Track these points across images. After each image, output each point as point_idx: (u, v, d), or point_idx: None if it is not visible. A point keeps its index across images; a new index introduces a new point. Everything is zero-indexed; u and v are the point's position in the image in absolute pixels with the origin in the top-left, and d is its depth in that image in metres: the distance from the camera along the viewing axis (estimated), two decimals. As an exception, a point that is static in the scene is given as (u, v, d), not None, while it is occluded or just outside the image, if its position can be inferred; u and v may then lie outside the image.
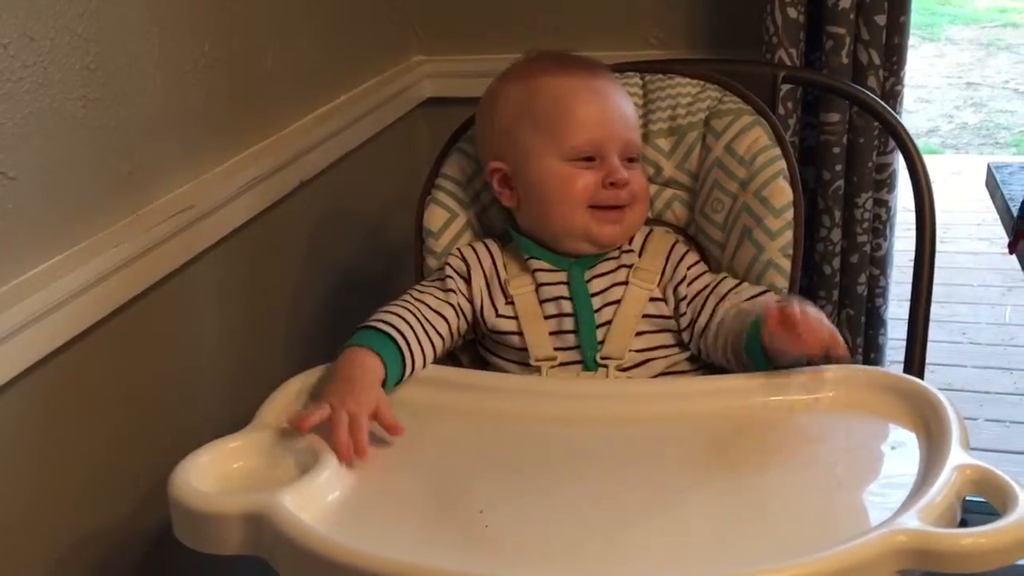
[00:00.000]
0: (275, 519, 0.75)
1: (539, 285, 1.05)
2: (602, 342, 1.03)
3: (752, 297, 1.01)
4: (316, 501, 0.78)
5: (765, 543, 0.74)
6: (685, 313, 1.03)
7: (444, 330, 1.02)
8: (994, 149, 4.34)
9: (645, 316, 1.04)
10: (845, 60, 1.35)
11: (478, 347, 1.10)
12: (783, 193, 1.05)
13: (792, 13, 1.35)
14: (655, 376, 1.03)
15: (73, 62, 0.98)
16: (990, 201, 1.40)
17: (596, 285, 1.05)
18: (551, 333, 1.04)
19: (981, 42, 5.62)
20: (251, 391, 0.96)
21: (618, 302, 1.04)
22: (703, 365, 1.06)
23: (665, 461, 0.85)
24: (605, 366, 1.02)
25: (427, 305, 1.02)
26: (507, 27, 1.62)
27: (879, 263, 1.48)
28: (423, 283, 1.07)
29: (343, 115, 1.45)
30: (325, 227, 1.45)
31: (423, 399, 0.95)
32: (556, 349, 1.03)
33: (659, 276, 1.05)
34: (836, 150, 1.40)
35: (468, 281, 1.06)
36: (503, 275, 1.07)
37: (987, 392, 2.36)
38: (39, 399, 0.96)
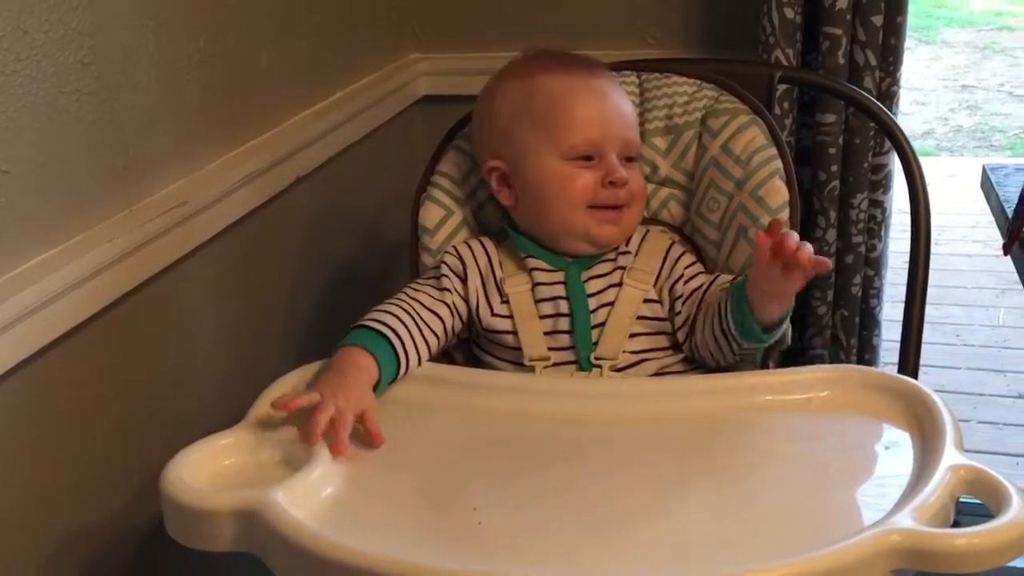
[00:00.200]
0: (268, 516, 0.75)
1: (536, 284, 1.05)
2: (596, 343, 1.02)
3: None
4: (309, 498, 0.78)
5: (758, 542, 0.74)
6: (680, 312, 1.03)
7: (439, 329, 1.02)
8: (989, 152, 4.35)
9: (640, 318, 1.03)
10: (841, 61, 1.35)
11: (472, 346, 1.10)
12: (779, 193, 1.05)
13: (789, 13, 1.35)
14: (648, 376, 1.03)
15: (67, 56, 0.97)
16: (984, 204, 1.40)
17: (593, 286, 1.05)
18: (546, 333, 1.04)
19: (977, 45, 5.63)
20: (245, 387, 0.96)
21: (612, 303, 1.04)
22: (696, 367, 1.06)
23: (658, 460, 0.85)
24: (599, 367, 1.02)
25: (422, 304, 1.02)
26: (504, 25, 1.62)
27: (874, 264, 1.48)
28: (418, 281, 1.07)
29: (339, 112, 1.45)
30: (321, 223, 1.45)
31: (417, 396, 0.95)
32: (550, 349, 1.03)
33: (655, 277, 1.05)
34: (832, 151, 1.40)
35: (464, 280, 1.06)
36: (499, 273, 1.07)
37: (980, 394, 2.37)
38: (31, 394, 0.95)
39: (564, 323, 1.04)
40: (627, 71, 1.18)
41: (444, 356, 1.08)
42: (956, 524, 0.74)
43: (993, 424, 2.25)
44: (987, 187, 1.36)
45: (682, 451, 0.86)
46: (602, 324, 1.03)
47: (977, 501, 0.76)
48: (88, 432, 1.03)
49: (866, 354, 1.50)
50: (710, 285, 1.03)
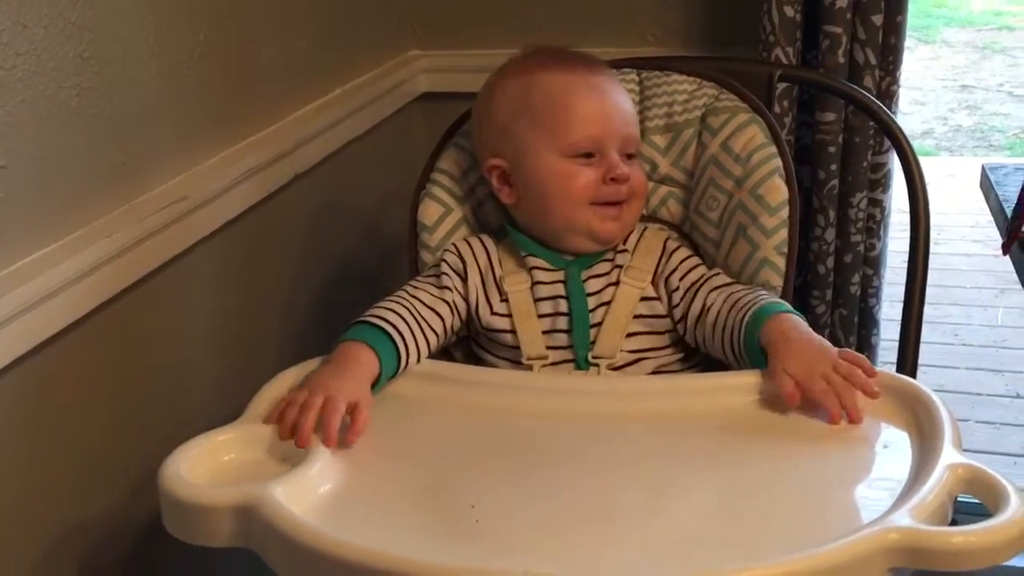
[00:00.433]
0: (265, 511, 0.75)
1: (535, 283, 1.05)
2: (594, 342, 1.02)
3: (745, 290, 1.01)
4: (307, 494, 0.78)
5: (756, 540, 0.74)
6: (678, 305, 1.03)
7: (439, 327, 1.02)
8: (988, 152, 4.36)
9: (637, 316, 1.03)
10: (841, 59, 1.35)
11: (471, 344, 1.10)
12: (778, 191, 1.05)
13: (789, 12, 1.35)
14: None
15: (67, 50, 0.97)
16: (983, 203, 1.40)
17: (592, 285, 1.05)
18: (544, 332, 1.04)
19: (976, 45, 5.63)
20: (244, 383, 0.96)
21: (609, 302, 1.04)
22: (694, 365, 1.06)
23: (656, 458, 0.85)
24: (596, 365, 1.02)
25: (422, 302, 1.02)
26: (504, 23, 1.62)
27: (873, 263, 1.48)
28: (418, 278, 1.07)
29: (339, 108, 1.45)
30: (320, 220, 1.45)
31: (416, 393, 0.95)
32: (548, 348, 1.03)
33: (652, 274, 1.05)
34: (831, 149, 1.40)
35: (464, 279, 1.06)
36: (498, 272, 1.07)
37: (978, 394, 2.37)
38: (31, 389, 0.95)
39: (563, 322, 1.04)
40: (627, 69, 1.18)
41: (443, 354, 1.08)
42: (954, 523, 0.74)
43: (991, 424, 2.25)
44: (986, 187, 1.36)
45: (680, 449, 0.86)
46: (600, 323, 1.03)
47: (975, 500, 0.76)
48: (87, 427, 1.03)
49: (864, 353, 1.50)
50: (711, 278, 1.03)
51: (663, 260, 1.05)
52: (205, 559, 0.86)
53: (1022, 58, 5.37)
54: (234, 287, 1.26)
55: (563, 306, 1.04)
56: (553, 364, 1.03)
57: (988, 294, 2.89)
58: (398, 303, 1.01)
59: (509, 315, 1.04)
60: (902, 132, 1.19)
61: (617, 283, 1.05)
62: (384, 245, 1.60)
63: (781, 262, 1.04)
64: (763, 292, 1.01)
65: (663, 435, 0.88)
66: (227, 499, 0.77)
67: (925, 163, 1.17)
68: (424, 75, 1.68)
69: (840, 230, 1.44)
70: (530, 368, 1.02)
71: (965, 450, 0.80)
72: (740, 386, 0.92)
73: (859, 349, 1.51)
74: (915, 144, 1.19)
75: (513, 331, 1.04)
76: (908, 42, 1.41)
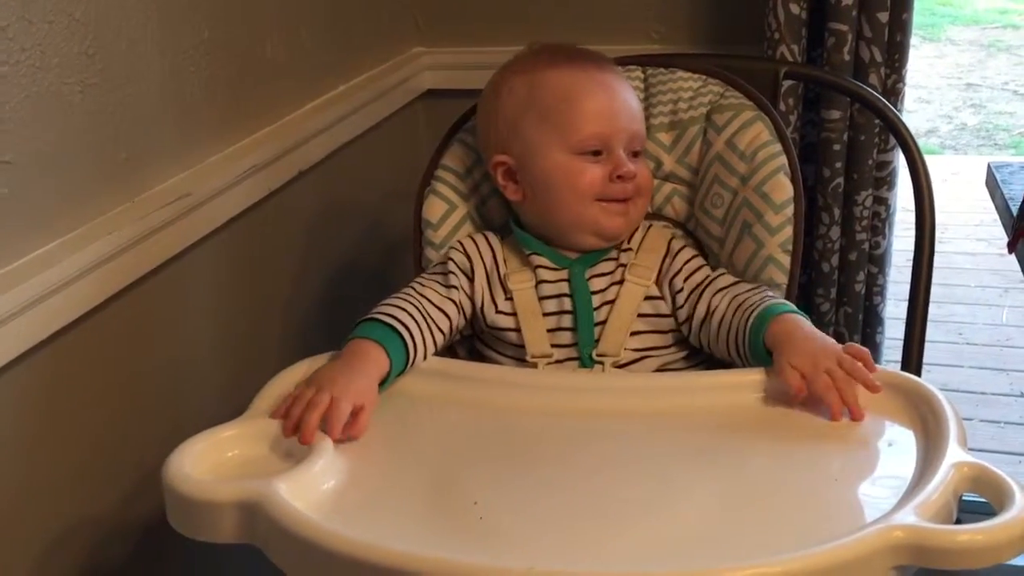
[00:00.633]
0: (269, 507, 0.75)
1: (539, 282, 1.05)
2: (598, 340, 1.02)
3: (749, 291, 1.00)
4: (310, 490, 0.78)
5: (761, 538, 0.73)
6: (682, 306, 1.03)
7: (445, 327, 1.02)
8: (993, 150, 4.35)
9: (641, 315, 1.03)
10: (847, 57, 1.35)
11: (475, 341, 1.10)
12: (784, 189, 1.05)
13: (794, 9, 1.34)
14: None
15: (71, 46, 0.97)
16: (988, 202, 1.40)
17: (596, 284, 1.05)
18: (548, 330, 1.03)
19: (981, 43, 5.62)
20: (247, 380, 0.96)
21: (614, 301, 1.04)
22: (698, 363, 1.06)
23: (661, 455, 0.85)
24: (601, 363, 1.02)
25: (429, 301, 1.02)
26: (507, 20, 1.62)
27: (878, 261, 1.48)
28: (424, 276, 1.07)
29: (342, 105, 1.45)
30: (323, 217, 1.45)
31: (421, 390, 0.95)
32: (553, 346, 1.03)
33: (656, 272, 1.05)
34: (836, 147, 1.40)
35: (471, 279, 1.05)
36: (503, 270, 1.06)
37: (983, 393, 2.37)
38: (34, 386, 0.95)
39: (567, 320, 1.04)
40: (632, 66, 1.17)
41: (447, 351, 1.08)
42: (959, 521, 0.73)
43: (995, 423, 2.25)
44: (992, 185, 1.35)
45: (685, 446, 0.86)
46: (604, 322, 1.03)
47: (980, 499, 0.76)
48: (90, 423, 1.03)
49: (869, 351, 1.50)
50: (715, 279, 1.03)
51: (667, 260, 1.05)
52: (209, 555, 0.86)
53: (1027, 57, 5.37)
54: (237, 284, 1.26)
55: (567, 304, 1.04)
56: (557, 362, 1.02)
57: (993, 293, 2.89)
58: (406, 301, 1.00)
59: (514, 313, 1.04)
60: (908, 130, 1.18)
61: (621, 282, 1.05)
62: (387, 242, 1.60)
63: (786, 260, 1.04)
64: (768, 292, 1.01)
65: (667, 432, 0.88)
66: (231, 495, 0.77)
67: (929, 161, 1.17)
68: (428, 72, 1.68)
69: (845, 228, 1.44)
70: (534, 366, 1.02)
71: (969, 449, 0.80)
72: (744, 384, 0.92)
73: (863, 347, 1.50)
74: (919, 142, 1.18)
75: (518, 329, 1.04)
76: (912, 40, 1.40)
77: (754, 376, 0.92)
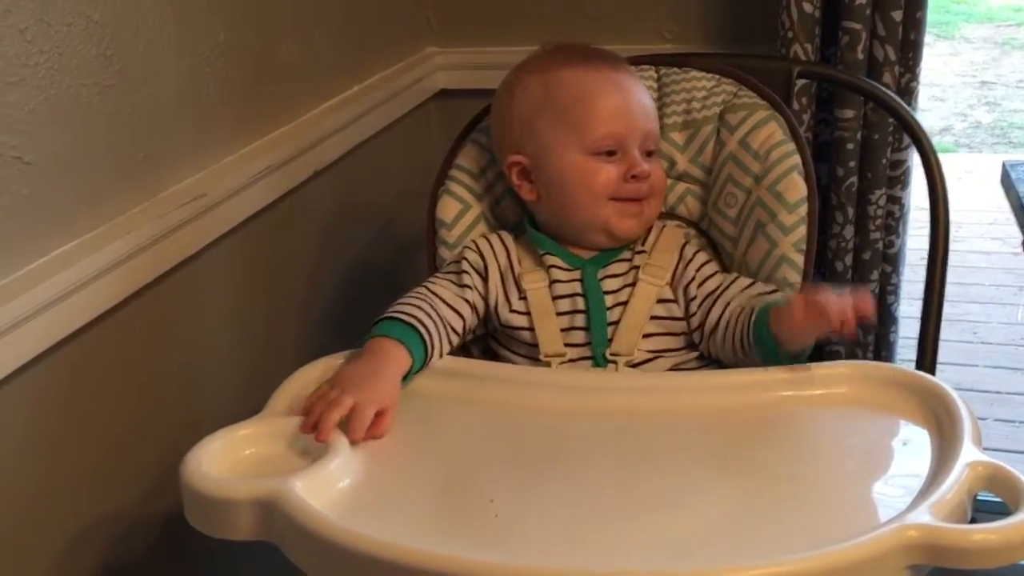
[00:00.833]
0: (286, 505, 0.75)
1: (553, 282, 1.05)
2: (611, 340, 1.02)
3: (759, 294, 1.00)
4: (327, 488, 0.79)
5: (775, 537, 0.74)
6: (695, 314, 1.03)
7: (459, 326, 1.02)
8: (1008, 148, 4.32)
9: (654, 318, 1.03)
10: (860, 56, 1.35)
11: (489, 340, 1.10)
12: (797, 188, 1.05)
13: (808, 8, 1.34)
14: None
15: (89, 48, 0.98)
16: (1002, 201, 1.40)
17: (609, 284, 1.05)
18: (562, 330, 1.04)
19: (996, 41, 5.58)
20: (263, 378, 0.97)
21: (627, 302, 1.04)
22: (710, 363, 1.06)
23: (676, 454, 0.85)
24: (614, 362, 1.02)
25: (443, 300, 1.02)
26: (521, 20, 1.62)
27: (892, 260, 1.47)
28: (438, 275, 1.07)
29: (356, 105, 1.45)
30: (338, 217, 1.45)
31: (436, 389, 0.95)
32: (566, 345, 1.03)
33: (670, 274, 1.05)
34: (850, 146, 1.39)
35: (485, 279, 1.06)
36: (517, 269, 1.07)
37: (997, 392, 2.36)
38: (53, 385, 0.96)
39: (580, 320, 1.04)
40: (646, 66, 1.17)
41: (460, 350, 1.08)
42: (973, 521, 0.73)
43: (1010, 422, 2.24)
44: (1007, 183, 1.35)
45: (700, 446, 0.86)
46: (617, 322, 1.03)
47: (995, 499, 0.76)
48: (109, 422, 1.04)
49: (883, 351, 1.50)
50: (728, 288, 1.02)
51: (680, 267, 1.05)
52: (226, 552, 0.86)
53: (1042, 54, 5.33)
54: (252, 284, 1.27)
55: (580, 304, 1.04)
56: (571, 361, 1.03)
57: (1007, 292, 2.87)
58: (421, 299, 1.01)
59: (527, 313, 1.05)
60: (922, 129, 1.18)
61: (634, 283, 1.05)
62: (401, 242, 1.60)
63: (800, 259, 1.04)
64: (777, 294, 1.01)
65: (681, 431, 0.88)
66: (248, 493, 0.78)
67: (943, 160, 1.16)
68: (441, 72, 1.68)
69: (859, 227, 1.44)
70: (548, 365, 1.02)
71: (984, 448, 0.80)
72: (758, 383, 0.92)
73: (877, 346, 1.50)
74: (934, 141, 1.18)
75: (531, 328, 1.04)
76: (927, 38, 1.40)
77: (768, 375, 0.92)
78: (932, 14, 1.50)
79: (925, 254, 1.16)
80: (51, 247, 0.95)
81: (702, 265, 1.05)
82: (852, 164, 1.40)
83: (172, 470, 0.81)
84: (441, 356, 0.99)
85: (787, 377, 0.91)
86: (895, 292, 1.49)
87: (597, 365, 1.03)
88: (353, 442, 0.84)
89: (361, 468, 0.82)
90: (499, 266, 1.07)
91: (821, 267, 1.45)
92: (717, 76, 1.14)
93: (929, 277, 1.15)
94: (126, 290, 1.02)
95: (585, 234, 1.05)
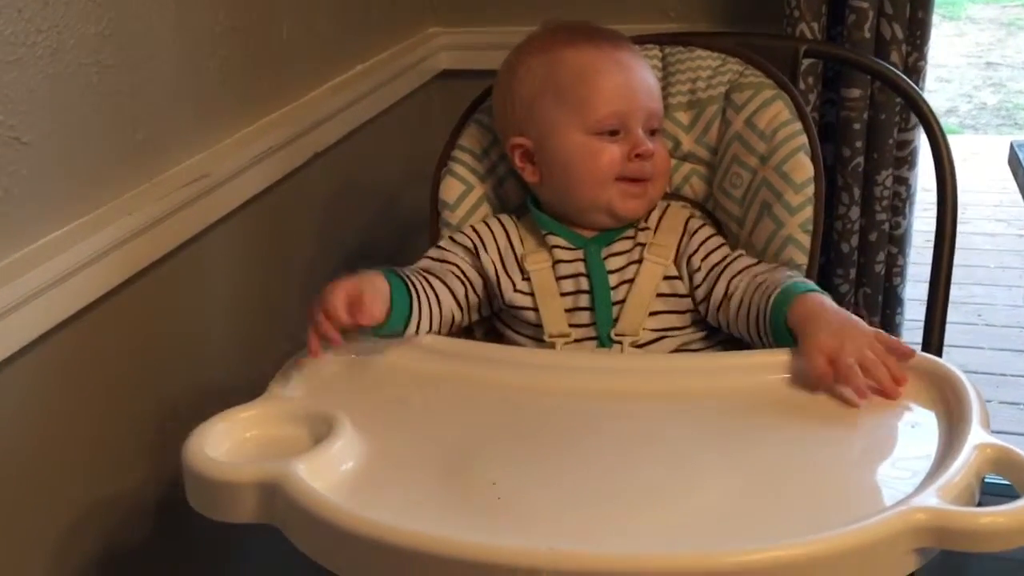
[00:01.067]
0: (288, 488, 0.75)
1: (556, 262, 1.05)
2: (616, 320, 1.02)
3: (769, 271, 1.00)
4: (329, 470, 0.78)
5: (782, 519, 0.73)
6: (700, 286, 1.02)
7: (446, 296, 1.02)
8: (1013, 130, 4.30)
9: (659, 295, 1.03)
10: (868, 34, 1.33)
11: (494, 320, 1.09)
12: (804, 168, 1.04)
13: (814, -14, 1.33)
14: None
15: (87, 27, 0.97)
16: (1008, 182, 1.38)
17: (613, 263, 1.04)
18: (567, 310, 1.03)
19: (1002, 21, 5.55)
20: (265, 360, 0.96)
21: (632, 280, 1.03)
22: (717, 343, 1.05)
23: (681, 436, 0.85)
24: (619, 343, 1.01)
25: (425, 270, 1.03)
26: (524, -1, 1.61)
27: (898, 241, 1.47)
28: (421, 258, 1.07)
29: (358, 86, 1.44)
30: (340, 198, 1.45)
31: (439, 370, 0.95)
32: (571, 326, 1.02)
33: (674, 251, 1.04)
34: (857, 126, 1.38)
35: (476, 255, 1.05)
36: (519, 250, 1.06)
37: (1002, 374, 2.35)
38: (54, 367, 0.96)
39: (584, 300, 1.03)
40: (650, 45, 1.16)
41: (464, 330, 1.08)
42: (981, 504, 0.73)
43: (1015, 404, 2.23)
44: (1015, 164, 1.34)
45: (705, 427, 0.86)
46: (622, 301, 1.03)
47: (1003, 481, 0.75)
48: (108, 404, 1.04)
49: (889, 333, 1.49)
50: (734, 260, 1.02)
51: (684, 239, 1.05)
52: (228, 534, 0.86)
53: (1049, 35, 5.30)
54: (254, 265, 1.26)
55: (584, 284, 1.04)
56: (576, 342, 1.02)
57: (1013, 274, 2.87)
58: (406, 268, 1.02)
59: (531, 293, 1.04)
60: (930, 108, 1.17)
61: (640, 261, 1.04)
62: (403, 223, 1.59)
63: (806, 240, 1.03)
64: (788, 271, 1.00)
65: (686, 413, 0.87)
66: (250, 475, 0.77)
67: (949, 141, 1.15)
68: (444, 52, 1.67)
69: (865, 208, 1.43)
70: (553, 346, 1.02)
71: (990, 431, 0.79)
72: (765, 364, 0.91)
73: (883, 328, 1.49)
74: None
75: (535, 309, 1.03)
76: (933, 18, 1.38)
77: (775, 357, 0.91)
78: (939, -7, 1.49)
79: (930, 236, 1.15)
80: (50, 229, 0.95)
81: (708, 238, 1.05)
82: (859, 144, 1.39)
83: (173, 453, 0.81)
84: (431, 316, 0.99)
85: (793, 359, 0.90)
86: (901, 274, 1.49)
87: (602, 345, 1.02)
88: (341, 325, 0.88)
89: (364, 450, 0.82)
90: (498, 247, 1.06)
91: (826, 248, 1.45)
92: (722, 55, 1.13)
93: (936, 258, 1.14)
94: (125, 272, 1.02)
95: (588, 214, 1.04)
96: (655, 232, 1.06)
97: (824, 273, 1.45)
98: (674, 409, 0.88)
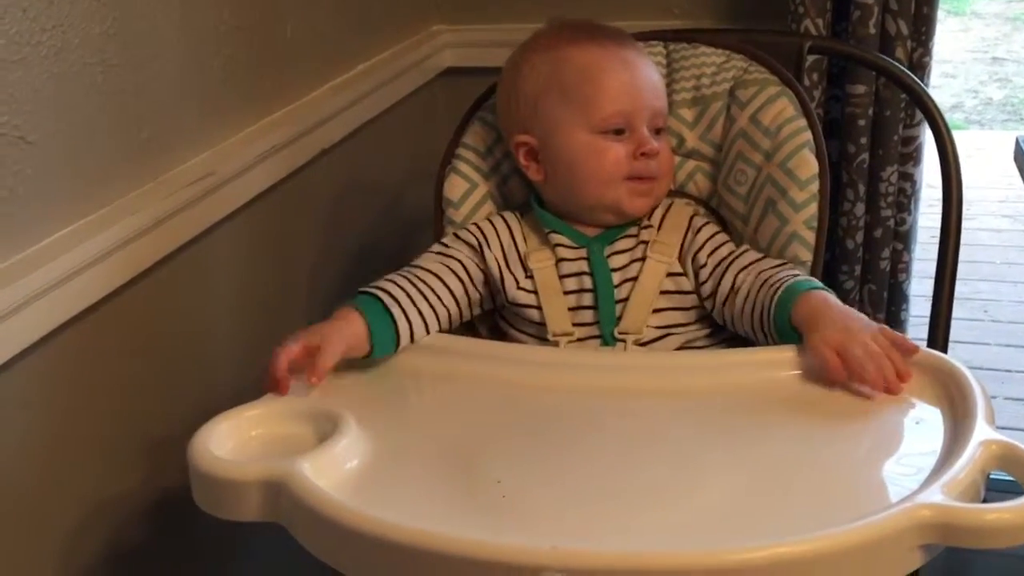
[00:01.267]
0: (293, 486, 0.75)
1: (560, 260, 1.05)
2: (620, 318, 1.02)
3: (774, 267, 1.00)
4: (334, 469, 0.78)
5: (787, 516, 0.73)
6: (706, 282, 1.02)
7: (445, 295, 1.01)
8: (1019, 125, 4.28)
9: (663, 292, 1.03)
10: (872, 30, 1.33)
11: (497, 318, 1.09)
12: (809, 165, 1.04)
13: (819, -18, 1.32)
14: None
15: (92, 27, 0.97)
16: (1014, 178, 1.39)
17: (616, 261, 1.04)
18: (570, 308, 1.03)
19: (1007, 16, 5.53)
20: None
21: (636, 278, 1.03)
22: (721, 341, 1.05)
23: (685, 433, 0.85)
24: (623, 341, 1.01)
25: (425, 269, 1.02)
26: (528, -4, 1.60)
27: (903, 238, 1.46)
28: (425, 252, 1.07)
29: (363, 84, 1.44)
30: (344, 196, 1.45)
31: (442, 368, 0.95)
32: (574, 324, 1.02)
33: (678, 249, 1.04)
34: (861, 122, 1.38)
35: (480, 251, 1.05)
36: (523, 248, 1.06)
37: (1008, 370, 2.35)
38: (60, 365, 0.96)
39: (588, 299, 1.03)
40: (654, 41, 1.16)
41: (468, 329, 1.08)
42: (986, 500, 0.73)
43: (1021, 400, 2.23)
44: (1020, 160, 1.33)
45: (709, 425, 0.86)
46: (626, 299, 1.02)
47: (1008, 478, 0.75)
48: (114, 403, 1.04)
49: (894, 329, 1.49)
50: (740, 256, 1.02)
51: (689, 236, 1.05)
52: (234, 533, 0.86)
53: (1055, 30, 5.28)
54: (259, 263, 1.27)
55: (587, 283, 1.04)
56: (579, 340, 1.02)
57: (1018, 270, 2.86)
58: (398, 273, 1.01)
59: (535, 291, 1.04)
60: (935, 104, 1.17)
61: (643, 259, 1.04)
62: (408, 221, 1.59)
63: (811, 236, 1.03)
64: (793, 269, 1.00)
65: (690, 411, 0.87)
66: (255, 474, 0.78)
67: (954, 137, 1.15)
68: (448, 50, 1.67)
69: (870, 205, 1.43)
70: (556, 344, 1.02)
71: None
72: (770, 361, 0.91)
73: (888, 325, 1.48)
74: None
75: (539, 307, 1.03)
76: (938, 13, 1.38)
77: (779, 354, 0.91)
78: (945, -12, 1.48)
79: (935, 232, 1.15)
80: (55, 228, 0.95)
81: (713, 234, 1.05)
82: (863, 141, 1.39)
83: (179, 451, 0.81)
84: (427, 326, 0.98)
85: (798, 356, 0.90)
86: (906, 270, 1.48)
87: (605, 344, 1.02)
88: (275, 378, 0.87)
89: (369, 449, 0.82)
90: (501, 244, 1.06)
91: (831, 245, 1.44)
92: (727, 52, 1.13)
93: (941, 254, 1.14)
94: (130, 271, 1.02)
95: (593, 213, 1.04)
96: (658, 230, 1.06)
97: (829, 270, 1.45)
98: (678, 406, 0.88)
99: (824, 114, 1.41)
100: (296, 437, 0.84)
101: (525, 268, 1.05)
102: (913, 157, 1.43)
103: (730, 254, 1.02)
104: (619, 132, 1.01)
